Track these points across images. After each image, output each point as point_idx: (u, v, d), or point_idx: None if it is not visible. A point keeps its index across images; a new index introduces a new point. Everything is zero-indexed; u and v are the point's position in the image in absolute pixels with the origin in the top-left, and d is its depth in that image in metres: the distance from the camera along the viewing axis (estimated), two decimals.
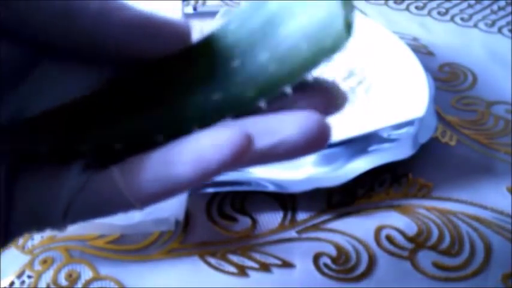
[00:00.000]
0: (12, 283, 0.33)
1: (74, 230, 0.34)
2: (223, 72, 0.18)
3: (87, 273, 0.33)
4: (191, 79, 0.18)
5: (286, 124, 0.17)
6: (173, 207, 0.34)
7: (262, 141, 0.17)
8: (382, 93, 0.43)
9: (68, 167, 0.18)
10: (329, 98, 0.18)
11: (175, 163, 0.16)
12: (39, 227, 0.18)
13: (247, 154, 0.16)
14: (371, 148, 0.39)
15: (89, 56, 0.17)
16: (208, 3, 0.60)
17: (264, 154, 0.17)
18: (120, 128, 0.18)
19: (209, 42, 0.18)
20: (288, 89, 0.17)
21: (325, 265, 0.34)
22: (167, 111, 0.18)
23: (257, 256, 0.34)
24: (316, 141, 0.17)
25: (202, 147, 0.16)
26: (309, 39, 0.17)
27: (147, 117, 0.18)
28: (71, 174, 0.17)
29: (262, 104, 0.17)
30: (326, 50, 0.17)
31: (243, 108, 0.17)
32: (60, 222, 0.18)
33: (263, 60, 0.17)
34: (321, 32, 0.17)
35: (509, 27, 0.56)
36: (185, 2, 0.57)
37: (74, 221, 0.18)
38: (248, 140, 0.16)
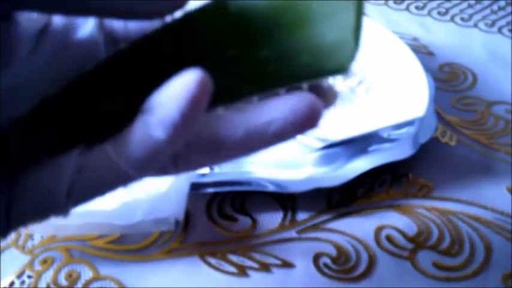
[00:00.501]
0: (12, 283, 0.33)
1: (74, 230, 0.34)
2: (219, 58, 0.17)
3: (87, 273, 0.33)
4: (184, 61, 0.17)
5: (275, 106, 0.17)
6: (173, 207, 0.34)
7: (252, 122, 0.17)
8: (382, 93, 0.43)
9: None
10: (320, 95, 0.18)
11: (151, 125, 0.17)
12: (44, 213, 0.18)
13: (204, 98, 0.16)
14: (371, 148, 0.39)
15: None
16: None
17: (253, 137, 0.17)
18: (110, 107, 0.18)
19: (206, 21, 0.17)
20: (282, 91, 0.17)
21: (325, 265, 0.34)
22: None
23: (257, 256, 0.34)
24: (306, 121, 0.17)
25: (163, 104, 0.16)
26: (311, 56, 0.17)
27: (134, 104, 0.18)
28: (70, 157, 0.18)
29: (255, 99, 0.17)
30: (326, 71, 0.17)
31: (235, 100, 0.17)
32: (63, 205, 0.18)
33: (263, 57, 0.17)
34: (325, 54, 0.17)
35: (509, 27, 0.56)
36: None
37: (77, 202, 0.18)
38: (203, 84, 0.16)
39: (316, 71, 0.17)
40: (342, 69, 0.17)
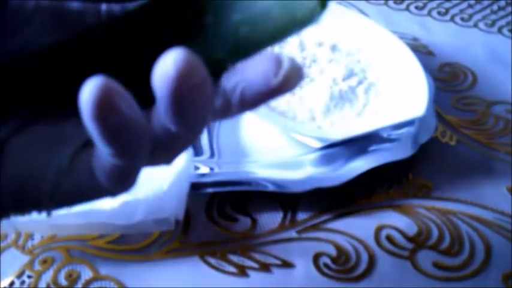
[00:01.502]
0: (12, 283, 0.33)
1: (74, 230, 0.34)
2: (195, 26, 0.17)
3: (87, 273, 0.33)
4: (161, 32, 0.17)
5: (243, 68, 0.16)
6: (173, 207, 0.34)
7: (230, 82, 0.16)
8: (382, 93, 0.43)
9: (61, 145, 0.17)
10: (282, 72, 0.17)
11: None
12: (25, 205, 0.18)
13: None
14: (371, 148, 0.39)
15: None
16: None
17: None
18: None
19: None
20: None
21: (325, 265, 0.34)
22: (137, 68, 0.17)
23: (257, 256, 0.34)
24: (289, 78, 0.16)
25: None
26: (282, 8, 0.17)
27: (120, 73, 0.17)
28: (59, 156, 0.17)
29: (231, 67, 0.17)
30: (298, 22, 0.17)
31: (211, 69, 0.17)
32: (46, 203, 0.18)
33: (235, 21, 0.17)
34: (295, 2, 0.16)
35: (509, 27, 0.56)
36: None
37: (60, 203, 0.18)
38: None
39: (289, 24, 0.17)
40: (313, 15, 0.16)
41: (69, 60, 0.18)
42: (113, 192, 0.18)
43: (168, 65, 0.14)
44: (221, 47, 0.17)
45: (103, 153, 0.16)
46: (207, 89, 0.15)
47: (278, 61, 0.16)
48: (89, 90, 0.14)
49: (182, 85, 0.14)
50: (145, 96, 0.17)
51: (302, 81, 0.16)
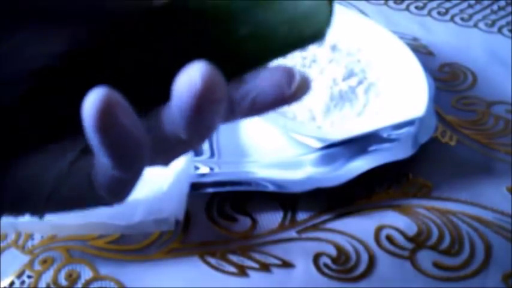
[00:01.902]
0: (12, 283, 0.33)
1: (74, 230, 0.34)
2: (201, 42, 0.17)
3: (87, 273, 0.33)
4: (168, 49, 0.18)
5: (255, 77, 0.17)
6: (173, 207, 0.34)
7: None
8: (382, 93, 0.43)
9: (62, 151, 0.18)
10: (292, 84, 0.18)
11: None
12: (20, 209, 0.18)
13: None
14: (371, 148, 0.39)
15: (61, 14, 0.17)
16: None
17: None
18: None
19: (188, 8, 0.18)
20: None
21: (325, 265, 0.34)
22: (143, 85, 0.17)
23: (257, 256, 0.34)
24: (299, 88, 0.17)
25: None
26: (290, 25, 0.17)
27: (126, 90, 0.17)
28: (60, 161, 0.17)
29: (237, 78, 0.17)
30: (305, 39, 0.17)
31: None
32: (41, 207, 0.18)
33: (242, 35, 0.17)
34: (303, 20, 0.17)
35: (509, 27, 0.56)
36: None
37: (55, 208, 0.18)
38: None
39: (295, 41, 0.17)
40: (319, 34, 0.17)
41: (71, 74, 0.18)
42: (108, 202, 0.18)
43: (195, 77, 0.15)
44: (228, 59, 0.17)
45: (103, 164, 0.16)
46: (225, 103, 0.16)
47: (291, 73, 0.17)
48: (91, 102, 0.14)
49: (206, 97, 0.15)
50: (145, 102, 0.17)
51: (309, 92, 0.18)
